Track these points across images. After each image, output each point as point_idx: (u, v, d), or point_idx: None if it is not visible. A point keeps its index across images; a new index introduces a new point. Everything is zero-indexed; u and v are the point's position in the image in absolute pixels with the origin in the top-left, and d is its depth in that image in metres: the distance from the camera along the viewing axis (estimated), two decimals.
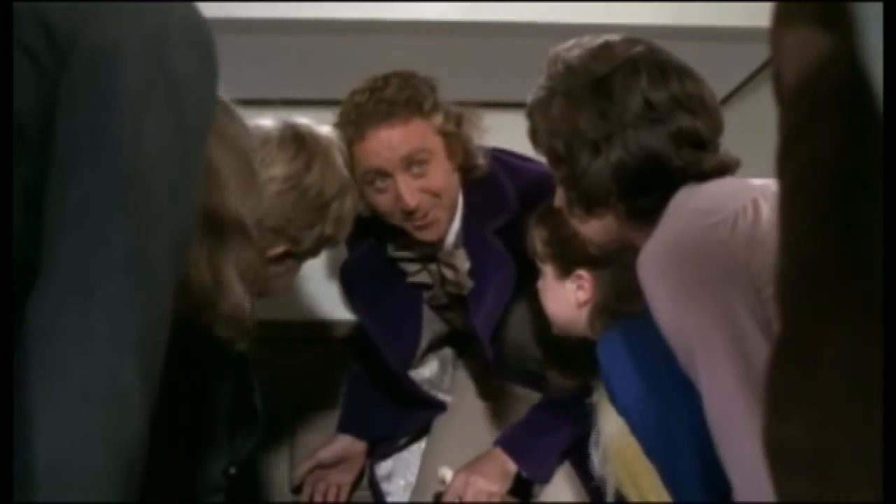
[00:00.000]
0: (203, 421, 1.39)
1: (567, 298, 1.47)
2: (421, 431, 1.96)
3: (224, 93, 0.99)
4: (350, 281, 1.83)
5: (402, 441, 1.96)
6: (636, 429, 1.26)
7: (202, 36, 0.86)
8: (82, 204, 0.75)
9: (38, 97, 0.77)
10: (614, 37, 1.25)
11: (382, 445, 1.95)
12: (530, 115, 1.29)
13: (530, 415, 1.75)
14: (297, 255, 1.54)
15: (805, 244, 0.57)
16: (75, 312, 0.72)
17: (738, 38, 2.31)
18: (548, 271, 1.49)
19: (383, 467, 1.94)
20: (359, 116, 1.59)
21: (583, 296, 1.47)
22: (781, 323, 0.59)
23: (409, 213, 1.62)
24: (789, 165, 0.58)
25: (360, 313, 1.82)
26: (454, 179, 1.67)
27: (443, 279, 1.75)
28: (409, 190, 1.59)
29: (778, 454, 0.59)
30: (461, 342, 1.96)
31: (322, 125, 1.60)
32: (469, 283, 1.72)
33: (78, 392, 0.70)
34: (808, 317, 0.57)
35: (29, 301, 0.72)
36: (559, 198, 1.30)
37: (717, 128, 1.23)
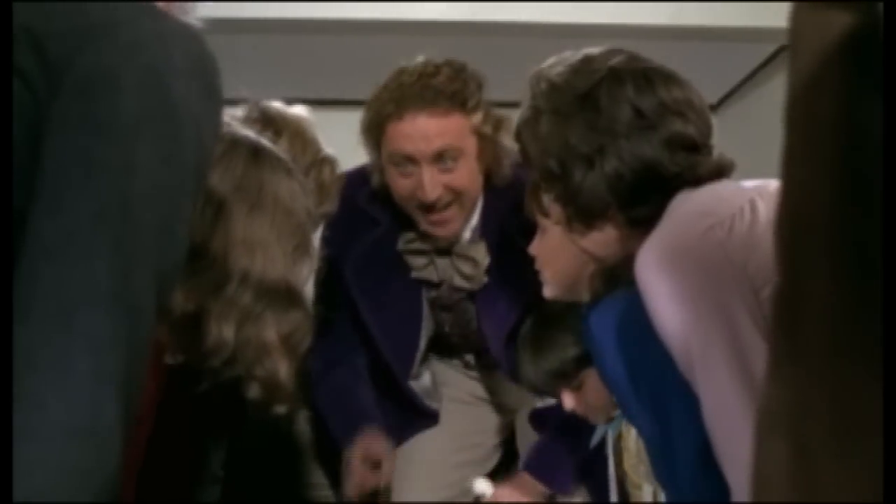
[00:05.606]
0: (202, 414, 1.39)
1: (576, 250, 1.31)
2: None
3: (224, 93, 0.96)
4: (356, 274, 1.81)
5: None
6: (625, 403, 1.24)
7: (206, 68, 0.82)
8: (68, 234, 0.72)
9: (27, 121, 0.74)
10: (594, 49, 1.25)
11: None
12: (518, 137, 1.28)
13: (553, 436, 1.74)
14: None
15: (804, 196, 0.57)
16: (56, 344, 0.70)
17: (738, 38, 2.32)
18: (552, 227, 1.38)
19: None
20: (402, 96, 1.56)
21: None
22: (777, 274, 0.59)
23: (426, 206, 1.62)
24: (795, 117, 0.58)
25: (363, 310, 1.80)
26: (478, 181, 1.66)
27: (456, 273, 1.74)
28: (433, 183, 1.58)
29: (763, 415, 0.59)
30: (441, 345, 1.95)
31: (320, 126, 1.59)
32: (483, 279, 1.73)
33: (56, 427, 0.68)
34: (801, 269, 0.57)
35: (12, 329, 0.71)
36: (556, 215, 1.29)
37: (708, 130, 1.23)
